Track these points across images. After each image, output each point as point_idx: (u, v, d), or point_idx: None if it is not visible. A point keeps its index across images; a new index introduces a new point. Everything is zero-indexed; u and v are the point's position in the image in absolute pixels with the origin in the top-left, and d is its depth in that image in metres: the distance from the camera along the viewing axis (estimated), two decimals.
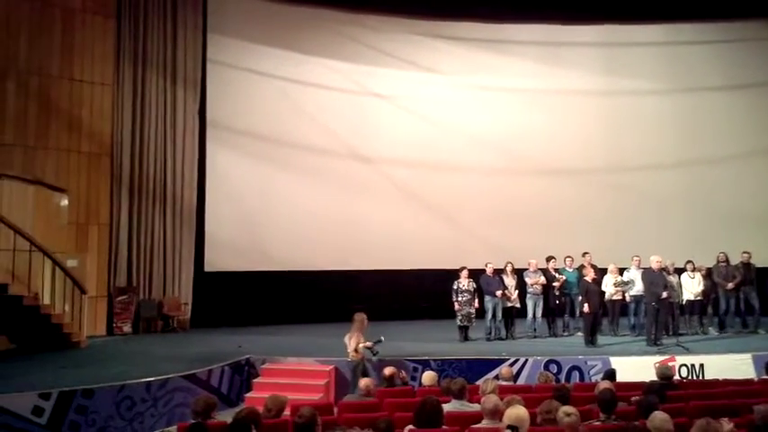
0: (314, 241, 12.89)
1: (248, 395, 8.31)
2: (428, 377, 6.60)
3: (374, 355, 8.14)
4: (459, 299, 10.30)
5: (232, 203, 12.75)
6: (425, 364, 8.48)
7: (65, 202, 10.37)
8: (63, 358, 8.86)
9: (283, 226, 12.87)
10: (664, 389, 5.89)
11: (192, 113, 12.54)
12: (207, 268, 12.56)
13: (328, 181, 13.22)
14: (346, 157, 13.37)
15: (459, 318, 10.34)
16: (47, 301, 9.28)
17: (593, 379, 8.36)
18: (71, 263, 9.92)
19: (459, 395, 5.24)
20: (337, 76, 13.47)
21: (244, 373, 8.86)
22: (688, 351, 9.16)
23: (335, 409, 6.03)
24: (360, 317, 8.21)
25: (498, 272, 10.70)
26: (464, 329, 10.38)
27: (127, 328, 11.45)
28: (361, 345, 7.96)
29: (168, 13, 12.28)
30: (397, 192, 13.48)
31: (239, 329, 11.49)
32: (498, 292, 10.44)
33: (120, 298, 11.48)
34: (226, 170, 12.80)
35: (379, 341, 8.09)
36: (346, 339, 8.14)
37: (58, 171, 10.85)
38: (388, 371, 6.77)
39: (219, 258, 12.60)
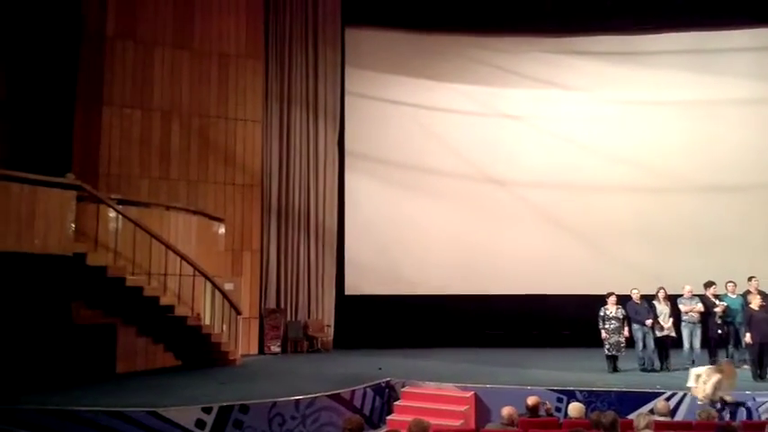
0: (450, 265, 12.94)
1: (390, 417, 8.47)
2: (575, 409, 6.29)
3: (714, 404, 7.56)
4: (607, 326, 9.77)
5: (370, 229, 13.17)
6: (571, 395, 8.11)
7: (222, 230, 11.31)
8: (221, 375, 9.57)
9: (420, 250, 13.06)
10: None
11: (332, 144, 13.20)
12: (347, 291, 13.06)
13: (463, 205, 13.23)
14: (480, 181, 13.32)
15: (607, 347, 9.79)
16: (207, 321, 10.10)
17: (763, 417, 7.56)
18: (228, 286, 10.75)
19: (610, 429, 4.98)
20: (469, 100, 13.53)
21: (384, 396, 9.03)
22: None
23: None
24: (733, 370, 7.81)
25: (650, 298, 10.04)
26: (613, 359, 9.81)
27: (275, 348, 12.18)
28: (722, 394, 7.52)
29: (310, 53, 13.12)
30: (535, 214, 13.16)
31: (378, 351, 11.75)
32: (648, 321, 9.78)
33: (269, 319, 12.27)
34: (363, 197, 13.29)
35: (738, 404, 7.60)
36: (703, 375, 7.62)
37: (216, 202, 11.91)
38: (531, 400, 6.55)
39: (359, 282, 13.05)
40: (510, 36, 13.62)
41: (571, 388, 8.40)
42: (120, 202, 9.35)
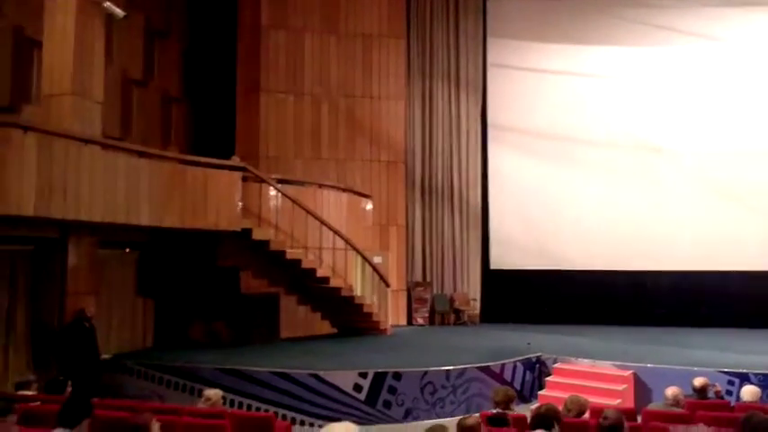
0: (601, 239, 12.36)
1: (542, 393, 8.38)
2: (750, 392, 5.80)
3: None
4: None
5: (514, 202, 12.94)
6: (744, 378, 7.48)
7: (369, 206, 11.74)
8: (373, 343, 10.05)
9: (567, 224, 12.61)
10: None
11: (475, 117, 13.11)
12: (492, 266, 12.99)
13: (617, 175, 12.49)
14: (635, 149, 12.49)
15: None
16: (359, 292, 10.60)
17: None
18: (377, 259, 11.19)
19: None
20: (620, 63, 12.69)
21: (535, 371, 8.94)
22: None
23: (639, 417, 5.72)
24: None
25: None
26: None
27: (422, 320, 12.49)
28: None
29: (451, 27, 13.08)
30: (699, 184, 12.11)
31: (526, 326, 11.61)
32: None
33: (416, 292, 12.59)
34: (507, 169, 13.05)
35: None
36: None
37: (363, 179, 12.39)
38: (699, 381, 6.13)
39: (504, 256, 12.92)
40: None
41: (744, 370, 7.74)
42: (279, 181, 10.06)
